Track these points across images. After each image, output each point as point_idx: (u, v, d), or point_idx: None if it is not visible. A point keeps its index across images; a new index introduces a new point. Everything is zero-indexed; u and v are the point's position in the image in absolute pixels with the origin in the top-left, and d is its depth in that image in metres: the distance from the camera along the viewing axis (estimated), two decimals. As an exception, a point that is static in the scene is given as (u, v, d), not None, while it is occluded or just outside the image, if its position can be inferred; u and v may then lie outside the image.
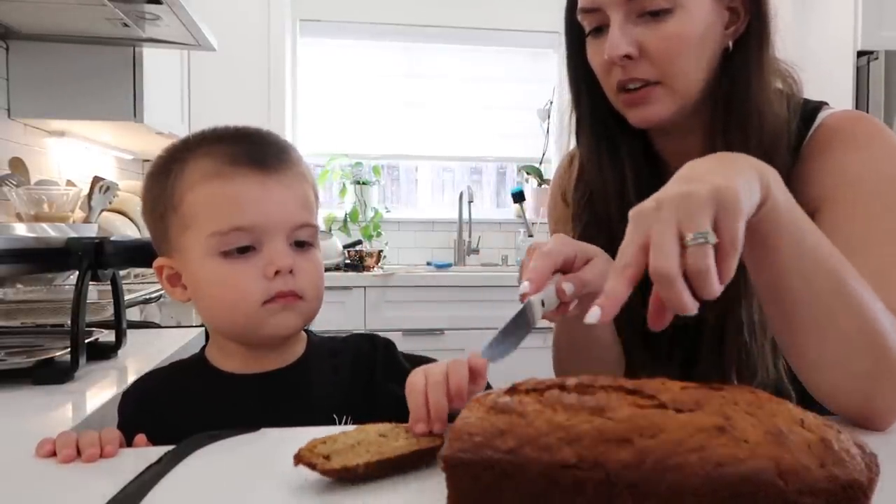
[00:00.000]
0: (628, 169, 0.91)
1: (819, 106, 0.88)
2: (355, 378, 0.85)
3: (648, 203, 0.57)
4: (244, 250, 0.77)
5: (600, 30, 0.85)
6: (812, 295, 0.65)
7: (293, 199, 0.80)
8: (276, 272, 0.77)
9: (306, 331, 0.88)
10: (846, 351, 0.66)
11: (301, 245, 0.81)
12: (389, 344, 0.90)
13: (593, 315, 0.55)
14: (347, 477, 0.55)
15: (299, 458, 0.55)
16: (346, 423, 0.80)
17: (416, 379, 0.65)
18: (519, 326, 0.62)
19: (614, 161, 0.92)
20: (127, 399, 0.85)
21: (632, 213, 0.58)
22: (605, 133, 0.92)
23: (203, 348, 0.88)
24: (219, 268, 0.77)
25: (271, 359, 0.83)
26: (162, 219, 0.81)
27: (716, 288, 0.53)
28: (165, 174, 0.80)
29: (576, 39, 0.91)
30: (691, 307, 0.53)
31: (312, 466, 0.55)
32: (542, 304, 0.65)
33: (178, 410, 0.81)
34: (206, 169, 0.78)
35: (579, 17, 0.87)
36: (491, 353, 0.62)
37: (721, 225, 0.54)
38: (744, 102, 0.84)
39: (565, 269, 0.69)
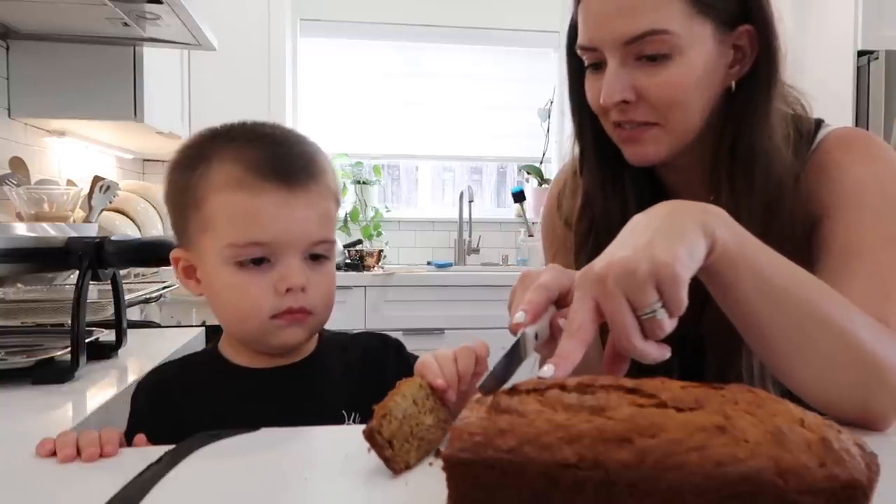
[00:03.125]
0: (631, 199, 0.90)
1: (818, 124, 0.88)
2: (365, 376, 0.86)
3: (594, 269, 0.59)
4: (259, 261, 0.78)
5: (598, 66, 0.84)
6: (783, 323, 0.66)
7: (315, 216, 0.80)
8: (288, 289, 0.78)
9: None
10: (830, 370, 0.67)
11: (316, 258, 0.81)
12: (400, 345, 0.91)
13: (547, 371, 0.55)
14: (406, 469, 0.57)
15: (373, 441, 0.56)
16: (354, 421, 0.81)
17: (427, 358, 0.68)
18: (511, 362, 0.58)
19: (618, 192, 0.91)
20: (141, 389, 0.86)
21: (578, 275, 0.60)
22: (609, 165, 0.91)
23: (217, 341, 0.88)
24: (232, 277, 0.78)
25: (281, 358, 0.84)
26: (182, 213, 0.81)
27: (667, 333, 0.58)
28: (191, 169, 0.80)
29: (577, 72, 0.89)
30: (661, 357, 0.58)
31: (381, 457, 0.56)
32: (536, 338, 0.63)
33: (191, 401, 0.82)
34: (232, 175, 0.77)
35: (578, 52, 0.86)
36: (488, 386, 0.54)
37: (663, 294, 0.57)
38: (750, 147, 0.82)
39: (559, 301, 0.66)
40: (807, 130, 0.86)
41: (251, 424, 0.70)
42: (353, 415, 0.81)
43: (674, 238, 0.59)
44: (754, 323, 0.67)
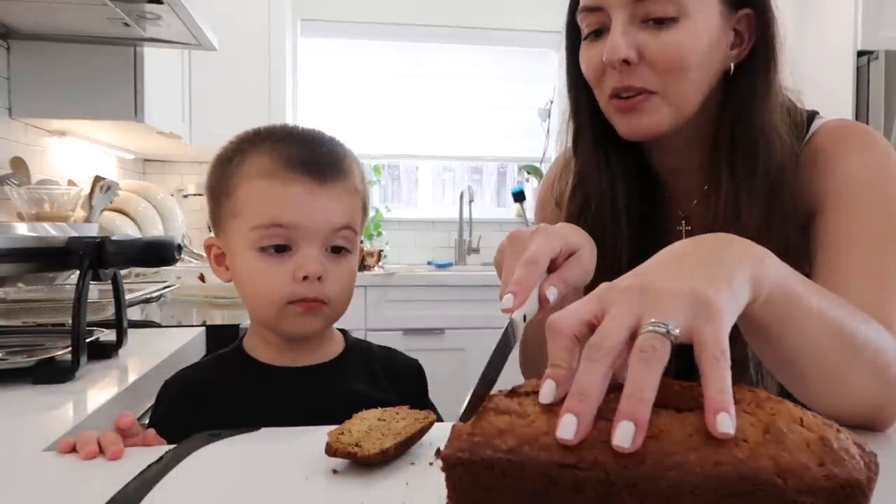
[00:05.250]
0: (620, 183, 0.90)
1: (812, 115, 0.88)
2: (389, 384, 0.90)
3: (620, 282, 0.51)
4: (280, 249, 0.82)
5: (599, 33, 0.83)
6: (822, 365, 0.63)
7: (338, 208, 0.84)
8: (305, 277, 0.81)
9: (343, 332, 0.94)
10: (856, 393, 0.66)
11: (338, 251, 0.84)
12: (422, 372, 0.96)
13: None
14: (383, 459, 0.57)
15: (335, 451, 0.57)
16: None
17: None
18: (504, 355, 0.54)
19: (612, 173, 0.90)
20: (166, 390, 0.88)
21: (601, 285, 0.51)
22: (604, 143, 0.90)
23: (241, 339, 0.91)
24: (254, 262, 0.82)
25: (307, 355, 0.87)
26: (217, 201, 0.87)
27: (645, 393, 0.42)
28: (228, 161, 0.86)
29: (576, 44, 0.89)
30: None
31: (352, 455, 0.56)
32: (524, 318, 0.60)
33: (218, 400, 0.84)
34: (264, 166, 0.83)
35: (579, 18, 0.85)
36: (481, 389, 0.49)
37: (703, 332, 0.46)
38: (751, 131, 0.82)
39: (549, 266, 0.64)
40: (799, 121, 0.86)
41: (278, 423, 0.73)
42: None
43: (720, 276, 0.51)
44: (791, 366, 0.64)
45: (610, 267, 0.87)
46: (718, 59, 0.83)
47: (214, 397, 0.84)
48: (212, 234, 0.90)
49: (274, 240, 0.81)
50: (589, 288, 0.55)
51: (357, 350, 0.92)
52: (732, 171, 0.83)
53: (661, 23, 0.79)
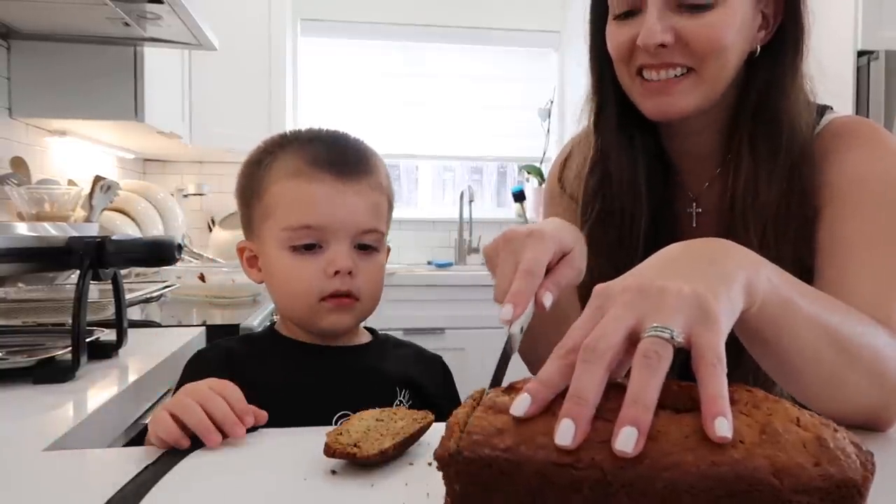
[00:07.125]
0: (641, 161, 0.91)
1: (823, 109, 0.88)
2: (417, 370, 0.93)
3: (616, 283, 0.50)
4: (311, 247, 0.85)
5: (629, 14, 0.83)
6: (818, 368, 0.63)
7: (363, 205, 0.87)
8: (336, 272, 0.84)
9: (370, 330, 0.98)
10: (855, 395, 0.66)
11: (365, 248, 0.88)
12: (447, 368, 0.99)
13: (520, 404, 0.45)
14: (382, 460, 0.58)
15: (334, 451, 0.57)
16: (404, 398, 0.88)
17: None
18: (501, 369, 0.55)
19: (633, 151, 0.91)
20: (201, 356, 0.91)
21: (596, 289, 0.51)
22: (627, 122, 0.91)
23: (272, 325, 0.95)
24: (287, 260, 0.86)
25: (335, 340, 0.91)
26: (248, 204, 0.90)
27: (648, 399, 0.42)
28: (258, 164, 0.89)
29: (601, 19, 0.89)
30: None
31: (351, 456, 0.57)
32: (521, 330, 0.61)
33: (256, 369, 0.86)
34: (292, 167, 0.86)
35: None
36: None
37: (699, 336, 0.46)
38: (776, 112, 0.83)
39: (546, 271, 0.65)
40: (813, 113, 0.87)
41: (314, 393, 0.79)
42: (404, 391, 0.89)
43: (717, 280, 0.51)
44: (786, 369, 0.64)
45: (626, 243, 0.89)
46: (748, 40, 0.84)
47: (251, 367, 0.87)
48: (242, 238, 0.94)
49: (304, 240, 0.85)
50: (587, 286, 0.55)
51: (385, 338, 0.98)
52: (754, 151, 0.84)
53: (697, 9, 0.80)
